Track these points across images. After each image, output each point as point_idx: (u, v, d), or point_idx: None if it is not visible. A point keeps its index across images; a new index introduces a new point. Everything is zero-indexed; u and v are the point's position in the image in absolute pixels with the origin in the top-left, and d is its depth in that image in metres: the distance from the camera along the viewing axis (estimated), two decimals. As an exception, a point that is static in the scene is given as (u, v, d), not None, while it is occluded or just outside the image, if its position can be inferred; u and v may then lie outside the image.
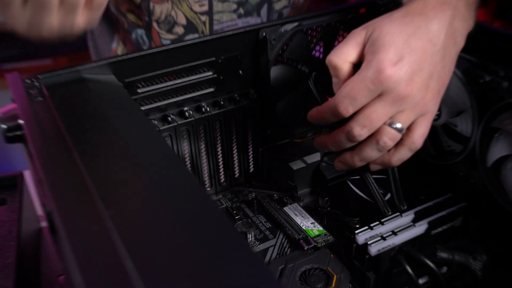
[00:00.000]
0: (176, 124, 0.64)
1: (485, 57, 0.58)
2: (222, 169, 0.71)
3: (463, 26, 0.52)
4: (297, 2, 0.88)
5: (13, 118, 0.49)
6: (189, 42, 0.62)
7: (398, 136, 0.51)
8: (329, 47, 0.71)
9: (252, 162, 0.74)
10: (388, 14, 0.51)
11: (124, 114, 0.49)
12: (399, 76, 0.48)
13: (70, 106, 0.50)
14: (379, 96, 0.49)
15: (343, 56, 0.51)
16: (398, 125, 0.50)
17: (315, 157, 0.70)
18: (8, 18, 0.50)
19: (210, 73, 0.65)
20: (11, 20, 0.51)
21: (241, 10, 0.82)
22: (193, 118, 0.65)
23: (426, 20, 0.50)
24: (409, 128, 0.52)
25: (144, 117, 0.51)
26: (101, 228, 0.32)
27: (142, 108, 0.62)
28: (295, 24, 0.66)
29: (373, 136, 0.51)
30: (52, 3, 0.48)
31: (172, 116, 0.64)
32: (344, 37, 0.72)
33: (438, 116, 0.63)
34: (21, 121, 0.49)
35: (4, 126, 0.49)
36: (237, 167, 0.73)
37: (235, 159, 0.72)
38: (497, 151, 0.57)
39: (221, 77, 0.66)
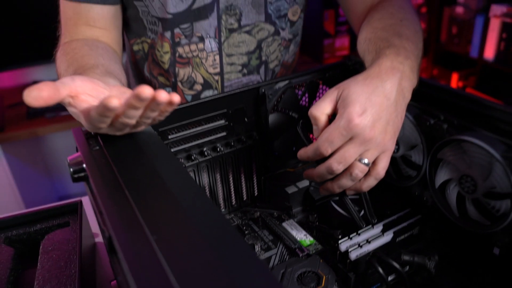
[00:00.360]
0: (198, 161, 0.65)
1: (430, 104, 0.60)
2: (233, 194, 0.72)
3: (409, 84, 0.54)
4: (286, 62, 0.89)
5: (78, 163, 0.50)
6: (207, 99, 0.63)
7: (366, 169, 0.52)
8: (312, 98, 0.73)
9: (256, 188, 0.74)
10: (353, 78, 0.53)
11: (159, 156, 0.49)
12: (364, 124, 0.49)
13: (120, 152, 0.50)
14: (350, 139, 0.50)
15: (321, 109, 0.53)
16: (366, 161, 0.52)
17: (305, 183, 0.70)
18: (90, 130, 0.50)
19: (223, 121, 0.66)
20: (93, 130, 0.50)
21: (245, 70, 0.84)
22: (211, 156, 0.66)
23: (382, 81, 0.51)
24: (374, 162, 0.53)
25: (174, 158, 0.52)
26: (149, 249, 0.33)
27: (172, 150, 0.63)
28: (286, 81, 0.68)
29: (347, 170, 0.52)
30: (129, 125, 0.48)
31: (194, 155, 0.65)
32: (323, 90, 0.74)
33: (397, 150, 0.64)
34: (84, 166, 0.50)
35: (71, 170, 0.50)
36: (245, 192, 0.73)
37: (243, 185, 0.72)
38: (441, 176, 0.59)
39: (231, 124, 0.67)
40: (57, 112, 1.91)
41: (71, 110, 0.49)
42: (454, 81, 2.48)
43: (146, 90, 0.41)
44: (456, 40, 2.41)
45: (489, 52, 2.20)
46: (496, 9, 2.12)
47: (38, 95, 0.42)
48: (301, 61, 1.81)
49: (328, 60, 2.24)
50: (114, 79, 0.59)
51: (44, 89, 0.42)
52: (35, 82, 2.24)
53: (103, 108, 0.42)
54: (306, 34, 0.90)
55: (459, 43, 2.40)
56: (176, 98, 0.44)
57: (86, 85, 0.48)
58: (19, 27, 1.89)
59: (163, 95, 0.42)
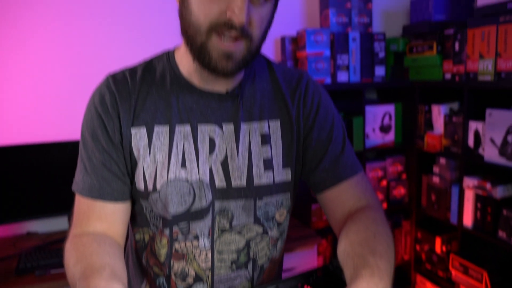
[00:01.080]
0: None
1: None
2: None
3: None
4: (274, 257, 0.96)
5: None
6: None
7: None
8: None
9: None
10: None
11: None
12: None
13: None
14: None
15: None
16: None
17: None
18: None
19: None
20: None
21: (234, 266, 0.90)
22: None
23: None
24: None
25: None
26: None
27: None
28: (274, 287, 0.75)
29: None
30: None
31: None
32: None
33: None
34: None
35: None
36: None
37: None
38: None
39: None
40: (47, 270, 1.91)
41: None
42: (438, 246, 2.55)
43: None
44: (436, 207, 2.55)
45: (467, 220, 2.32)
46: (469, 181, 2.29)
47: None
48: (291, 224, 1.88)
49: (316, 224, 2.33)
50: (118, 282, 0.66)
51: None
52: (28, 234, 2.22)
53: None
54: (295, 199, 0.99)
55: (438, 209, 2.53)
56: None
57: None
58: (12, 182, 2.00)
59: None
